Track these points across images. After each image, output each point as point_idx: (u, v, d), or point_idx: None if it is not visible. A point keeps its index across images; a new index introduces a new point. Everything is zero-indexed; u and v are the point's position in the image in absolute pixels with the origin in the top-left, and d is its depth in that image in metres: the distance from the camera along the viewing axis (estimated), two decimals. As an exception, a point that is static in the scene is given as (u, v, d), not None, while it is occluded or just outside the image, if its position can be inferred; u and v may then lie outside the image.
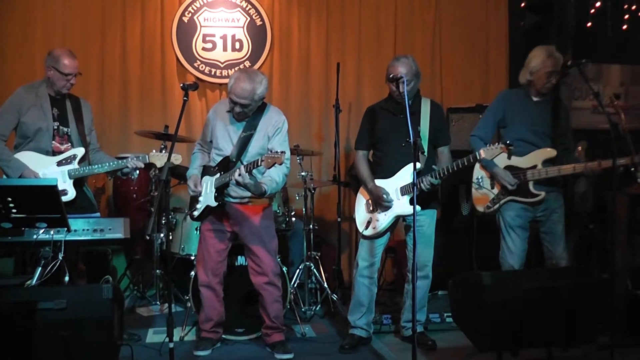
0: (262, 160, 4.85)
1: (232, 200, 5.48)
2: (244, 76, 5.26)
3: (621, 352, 5.17)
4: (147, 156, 5.75)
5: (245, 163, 5.16)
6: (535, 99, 5.84)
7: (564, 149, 5.79)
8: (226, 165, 5.37)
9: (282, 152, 4.82)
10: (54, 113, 5.72)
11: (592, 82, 6.67)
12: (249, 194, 5.32)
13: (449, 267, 7.39)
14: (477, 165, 5.89)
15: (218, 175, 5.36)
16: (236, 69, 8.13)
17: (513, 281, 4.67)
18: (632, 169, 5.35)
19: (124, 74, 8.13)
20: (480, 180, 5.93)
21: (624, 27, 8.35)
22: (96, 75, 7.80)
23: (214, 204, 5.37)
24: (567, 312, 4.59)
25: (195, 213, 5.53)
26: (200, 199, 5.49)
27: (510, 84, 8.78)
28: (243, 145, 5.40)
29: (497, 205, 5.80)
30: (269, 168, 4.93)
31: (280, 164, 4.87)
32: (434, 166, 5.58)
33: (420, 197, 5.15)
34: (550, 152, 5.69)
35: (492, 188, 5.84)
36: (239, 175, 4.98)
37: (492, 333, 4.53)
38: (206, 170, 5.54)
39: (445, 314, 6.30)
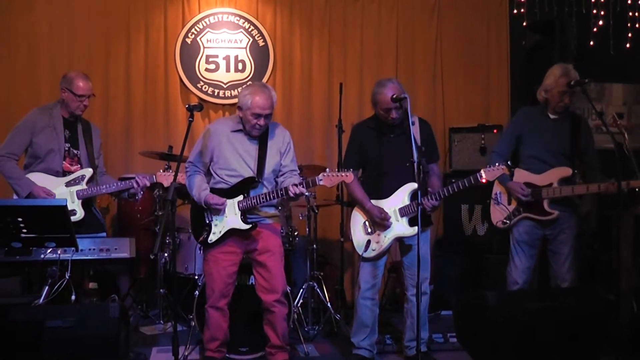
0: (319, 180, 5.07)
1: (257, 219, 5.47)
2: (257, 89, 5.32)
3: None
4: (154, 176, 5.78)
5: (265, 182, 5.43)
6: (552, 116, 5.86)
7: (587, 168, 5.82)
8: (248, 186, 5.37)
9: (350, 170, 5.17)
10: (65, 135, 5.80)
11: (594, 102, 6.69)
12: (271, 212, 5.42)
13: (452, 287, 7.42)
14: (495, 181, 5.88)
15: (241, 197, 5.34)
16: (239, 89, 8.16)
17: (518, 301, 4.68)
18: (638, 189, 5.37)
19: (128, 95, 8.16)
20: (498, 195, 5.96)
21: (627, 45, 8.39)
22: (101, 96, 7.76)
23: (244, 226, 5.33)
24: (571, 333, 4.60)
25: (213, 238, 5.40)
26: (216, 222, 5.42)
27: (512, 103, 8.81)
28: (261, 163, 5.41)
29: (513, 221, 5.82)
30: (330, 187, 5.16)
31: (349, 182, 5.02)
32: (429, 189, 5.57)
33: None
34: (565, 171, 5.71)
35: (509, 204, 5.88)
36: (299, 190, 5.13)
37: (497, 353, 4.54)
38: (219, 193, 5.42)
39: (449, 334, 6.29)
